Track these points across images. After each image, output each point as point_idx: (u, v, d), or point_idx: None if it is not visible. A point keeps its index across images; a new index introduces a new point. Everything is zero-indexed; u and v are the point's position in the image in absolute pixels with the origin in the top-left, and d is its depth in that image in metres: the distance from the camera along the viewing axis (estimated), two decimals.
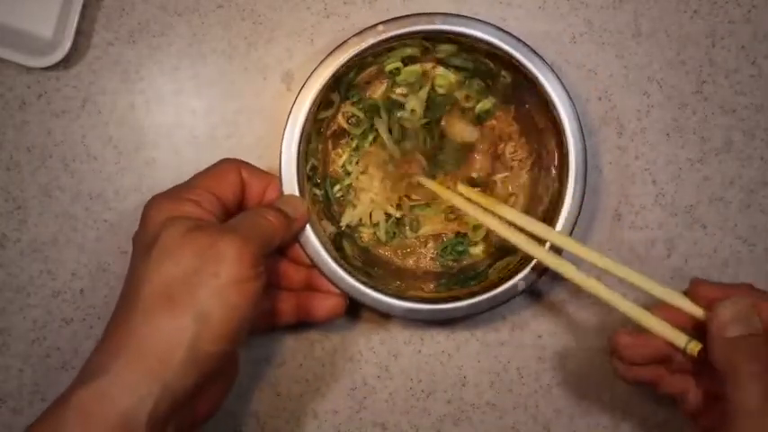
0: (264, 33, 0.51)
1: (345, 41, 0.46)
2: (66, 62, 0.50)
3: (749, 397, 0.37)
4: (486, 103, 0.49)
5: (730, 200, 0.51)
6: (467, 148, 0.50)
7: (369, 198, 0.49)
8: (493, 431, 0.51)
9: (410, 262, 0.50)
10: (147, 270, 0.38)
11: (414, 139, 0.49)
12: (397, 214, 0.50)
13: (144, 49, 0.51)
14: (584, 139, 0.46)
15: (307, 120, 0.46)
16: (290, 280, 0.47)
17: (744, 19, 0.52)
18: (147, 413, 0.35)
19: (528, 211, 0.49)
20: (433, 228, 0.50)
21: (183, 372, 0.36)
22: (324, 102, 0.47)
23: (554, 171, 0.47)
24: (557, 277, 0.49)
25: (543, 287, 0.51)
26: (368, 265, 0.48)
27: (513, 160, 0.50)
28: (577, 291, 0.50)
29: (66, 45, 0.48)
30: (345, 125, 0.49)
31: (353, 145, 0.50)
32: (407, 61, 0.49)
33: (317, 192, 0.49)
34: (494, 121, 0.50)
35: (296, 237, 0.45)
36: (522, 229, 0.45)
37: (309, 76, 0.46)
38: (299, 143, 0.46)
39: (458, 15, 0.46)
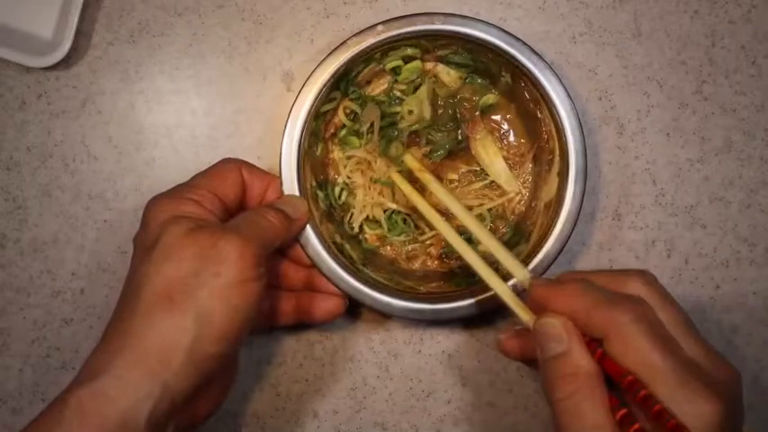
0: (264, 33, 0.51)
1: (344, 42, 0.46)
2: (66, 62, 0.50)
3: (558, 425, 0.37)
4: (489, 98, 0.49)
5: (730, 200, 0.51)
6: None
7: (362, 193, 0.49)
8: (493, 431, 0.51)
9: (416, 265, 0.50)
10: (148, 270, 0.38)
11: (401, 140, 0.49)
12: (393, 206, 0.49)
13: (144, 49, 0.51)
14: (584, 140, 0.46)
15: (307, 120, 0.46)
16: (290, 280, 0.47)
17: (744, 19, 0.52)
18: (146, 414, 0.35)
19: (527, 210, 0.49)
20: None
21: (183, 372, 0.36)
22: (325, 100, 0.47)
23: (554, 171, 0.47)
24: None
25: None
26: (372, 267, 0.48)
27: (515, 156, 0.50)
28: None
29: (66, 45, 0.48)
30: (344, 120, 0.49)
31: (343, 136, 0.49)
32: (408, 59, 0.49)
33: (320, 194, 0.49)
34: (498, 117, 0.50)
35: (296, 237, 0.45)
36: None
37: (309, 78, 0.46)
38: (300, 143, 0.46)
39: (458, 15, 0.46)
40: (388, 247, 0.50)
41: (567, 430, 0.36)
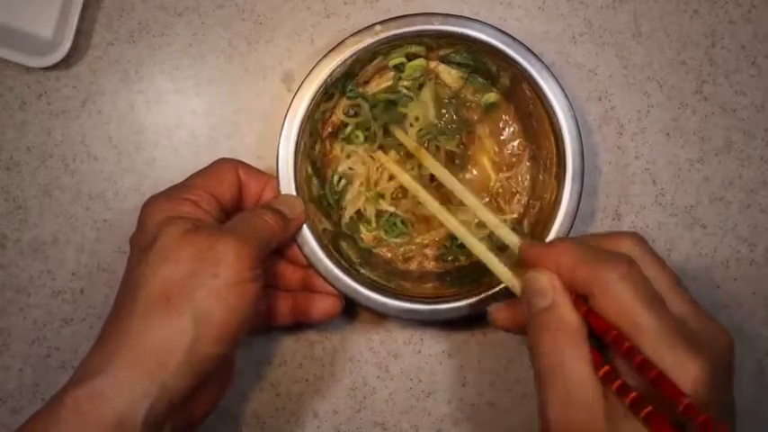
0: (264, 33, 0.51)
1: (342, 42, 0.46)
2: (66, 62, 0.50)
3: (536, 376, 0.36)
4: (490, 96, 0.49)
5: (730, 200, 0.51)
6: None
7: (358, 184, 0.49)
8: (493, 431, 0.51)
9: (413, 265, 0.50)
10: (145, 271, 0.38)
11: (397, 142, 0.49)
12: (391, 209, 0.49)
13: (144, 49, 0.51)
14: (581, 140, 0.46)
15: (304, 120, 0.46)
16: (287, 280, 0.47)
17: (744, 19, 0.52)
18: (143, 414, 0.35)
19: (526, 210, 0.49)
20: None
21: (180, 373, 0.36)
22: (323, 98, 0.47)
23: (552, 171, 0.47)
24: None
25: None
26: (369, 267, 0.48)
27: (513, 155, 0.50)
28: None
29: (66, 45, 0.48)
30: (343, 117, 0.49)
31: (346, 133, 0.49)
32: (411, 57, 0.49)
33: (317, 188, 0.49)
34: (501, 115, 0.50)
35: (293, 237, 0.45)
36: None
37: (306, 77, 0.46)
38: (297, 143, 0.46)
39: (455, 15, 0.46)
40: (385, 248, 0.50)
41: (549, 385, 0.35)
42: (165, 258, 0.38)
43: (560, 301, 0.37)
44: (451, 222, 0.45)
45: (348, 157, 0.49)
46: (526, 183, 0.50)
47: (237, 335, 0.39)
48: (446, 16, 0.46)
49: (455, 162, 0.50)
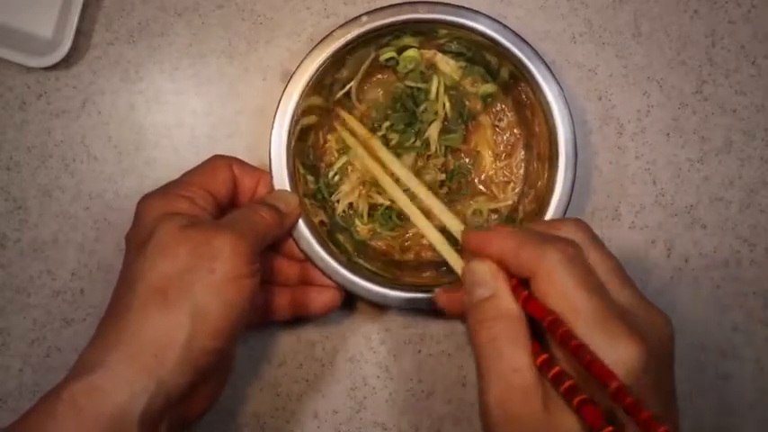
0: (264, 33, 0.51)
1: (330, 34, 0.46)
2: (66, 62, 0.50)
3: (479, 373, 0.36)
4: (488, 87, 0.49)
5: (730, 200, 0.51)
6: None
7: (355, 176, 0.49)
8: None
9: (410, 256, 0.50)
10: (143, 267, 0.38)
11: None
12: (387, 202, 0.49)
13: (144, 49, 0.51)
14: (573, 126, 0.46)
15: (295, 113, 0.46)
16: (284, 275, 0.47)
17: (744, 19, 0.52)
18: (140, 409, 0.35)
19: (521, 198, 0.49)
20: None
21: (178, 369, 0.36)
22: (317, 92, 0.47)
23: (545, 159, 0.47)
24: None
25: None
26: (365, 257, 0.48)
27: (508, 145, 0.50)
28: None
29: (66, 45, 0.48)
30: (342, 114, 0.49)
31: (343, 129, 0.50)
32: (403, 49, 0.49)
33: (311, 183, 0.49)
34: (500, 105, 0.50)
35: (289, 232, 0.45)
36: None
37: (295, 71, 0.46)
38: (288, 137, 0.46)
39: (441, 3, 0.46)
40: (381, 241, 0.50)
41: (488, 373, 0.35)
42: (162, 254, 0.38)
43: (500, 292, 0.36)
44: (412, 210, 0.45)
45: (343, 153, 0.50)
46: (521, 171, 0.50)
47: (235, 329, 0.39)
48: (433, 4, 0.46)
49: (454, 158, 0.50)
